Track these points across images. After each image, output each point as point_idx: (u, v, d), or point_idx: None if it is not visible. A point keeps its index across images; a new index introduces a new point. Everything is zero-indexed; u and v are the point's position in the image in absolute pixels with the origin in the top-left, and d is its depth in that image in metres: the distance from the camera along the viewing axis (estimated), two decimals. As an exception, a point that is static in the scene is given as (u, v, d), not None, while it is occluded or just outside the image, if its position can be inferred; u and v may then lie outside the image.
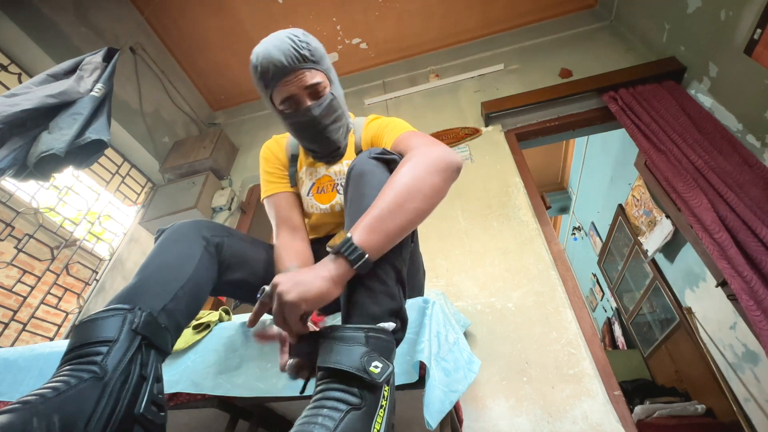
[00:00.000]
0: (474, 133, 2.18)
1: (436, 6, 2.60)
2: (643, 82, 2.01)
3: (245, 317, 1.09)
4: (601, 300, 4.15)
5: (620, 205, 3.14)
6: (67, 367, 0.47)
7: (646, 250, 2.80)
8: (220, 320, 1.01)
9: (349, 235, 0.56)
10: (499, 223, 1.71)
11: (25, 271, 1.90)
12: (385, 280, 0.58)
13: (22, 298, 1.84)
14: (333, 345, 0.50)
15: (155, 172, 2.63)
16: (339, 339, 0.50)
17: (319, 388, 0.48)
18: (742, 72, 1.63)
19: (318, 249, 0.91)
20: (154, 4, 2.55)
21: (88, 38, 2.26)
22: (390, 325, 0.55)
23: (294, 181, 0.95)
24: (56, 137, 1.23)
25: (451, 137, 2.20)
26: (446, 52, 2.79)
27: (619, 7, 2.38)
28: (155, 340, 0.54)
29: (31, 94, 1.27)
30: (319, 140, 0.85)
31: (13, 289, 1.81)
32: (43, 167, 1.26)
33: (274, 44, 0.75)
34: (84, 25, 2.27)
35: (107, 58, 1.47)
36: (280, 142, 1.00)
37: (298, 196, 0.96)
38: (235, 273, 0.79)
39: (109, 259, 2.29)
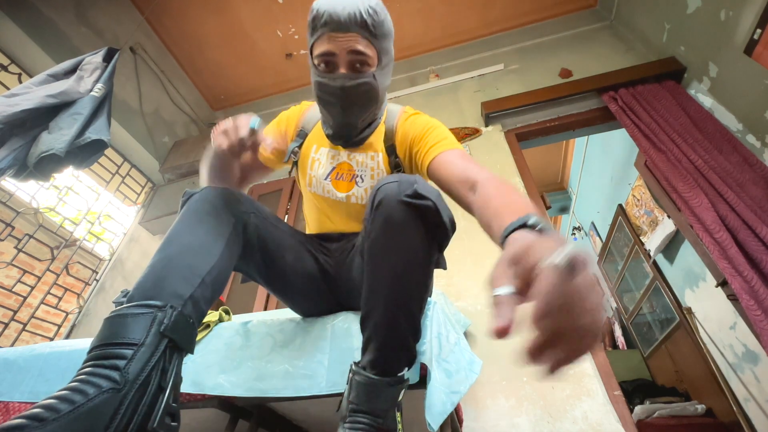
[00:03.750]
0: (474, 133, 2.18)
1: (436, 6, 2.60)
2: (643, 82, 2.01)
3: (246, 317, 1.09)
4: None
5: (620, 205, 3.14)
6: (89, 368, 0.47)
7: (648, 250, 2.80)
8: (220, 320, 1.01)
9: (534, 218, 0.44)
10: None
11: (25, 271, 1.90)
12: (407, 336, 0.63)
13: (22, 298, 1.84)
14: (368, 390, 0.61)
15: (155, 172, 2.63)
16: (373, 388, 0.61)
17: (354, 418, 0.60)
18: (742, 72, 1.62)
19: (320, 246, 0.87)
20: (154, 4, 2.55)
21: (88, 38, 2.26)
22: (407, 376, 0.64)
23: (289, 155, 0.88)
24: (56, 137, 1.23)
25: (451, 137, 2.20)
26: (446, 51, 2.79)
27: (619, 7, 2.38)
28: (181, 342, 0.54)
29: (31, 94, 1.27)
30: (337, 116, 0.78)
31: (13, 289, 1.81)
32: (44, 167, 1.26)
33: (345, 3, 0.70)
34: (84, 25, 2.27)
35: (107, 58, 1.47)
36: (302, 110, 0.93)
37: (267, 168, 0.93)
38: (256, 255, 0.75)
39: (109, 259, 2.29)
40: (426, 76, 2.69)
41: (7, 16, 1.84)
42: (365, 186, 0.83)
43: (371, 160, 0.83)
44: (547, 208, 1.79)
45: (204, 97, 3.14)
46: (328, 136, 0.85)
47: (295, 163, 0.92)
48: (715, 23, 1.69)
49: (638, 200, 2.88)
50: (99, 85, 1.37)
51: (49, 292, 1.93)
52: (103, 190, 2.36)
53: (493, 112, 2.16)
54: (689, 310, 2.55)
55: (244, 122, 0.63)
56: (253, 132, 0.62)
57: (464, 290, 1.55)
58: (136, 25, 2.59)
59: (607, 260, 3.62)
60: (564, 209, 4.65)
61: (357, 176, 0.84)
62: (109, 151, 2.47)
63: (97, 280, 2.19)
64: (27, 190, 1.93)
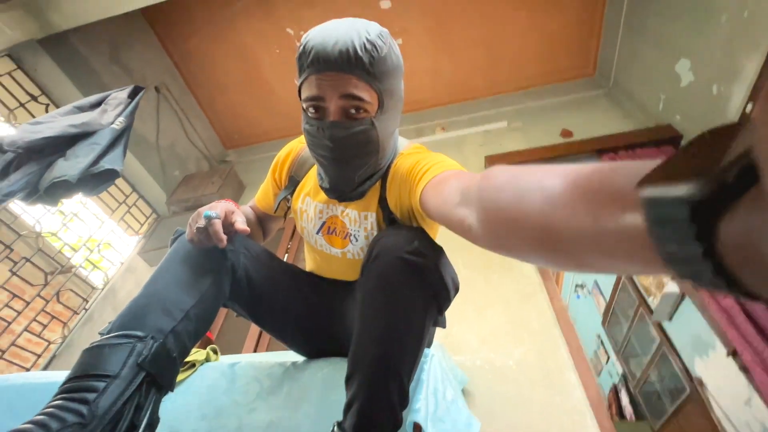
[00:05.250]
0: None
1: (444, 65, 2.78)
2: (642, 146, 2.09)
3: (234, 358, 1.04)
4: (607, 364, 3.96)
5: (623, 265, 3.10)
6: (58, 401, 0.45)
7: (654, 313, 2.72)
8: (207, 359, 0.96)
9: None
10: (501, 275, 1.69)
11: (14, 296, 1.86)
12: (394, 403, 0.57)
13: (6, 324, 1.78)
14: None
15: (162, 204, 2.66)
16: None
17: None
18: (738, 142, 1.68)
19: (316, 284, 0.85)
20: (183, 51, 2.75)
21: (118, 76, 2.41)
22: None
23: (278, 205, 0.84)
24: (71, 164, 1.27)
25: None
26: (453, 107, 2.94)
27: (617, 76, 2.54)
28: (160, 377, 0.51)
29: (54, 123, 1.33)
30: (330, 171, 0.68)
31: (-1, 314, 1.76)
32: (54, 192, 1.28)
33: (337, 29, 0.57)
34: (116, 64, 2.43)
35: (132, 95, 1.56)
36: (294, 153, 0.83)
37: (275, 219, 0.94)
38: (245, 292, 0.74)
39: (102, 288, 2.24)
40: (433, 128, 2.81)
41: (44, 50, 1.98)
42: (360, 245, 0.75)
43: (364, 220, 0.72)
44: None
45: (218, 135, 3.27)
46: (323, 189, 0.74)
47: (289, 209, 0.87)
48: (708, 96, 1.79)
49: (641, 261, 2.85)
50: (120, 119, 1.44)
51: (34, 319, 1.87)
52: (107, 218, 2.38)
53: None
54: (700, 381, 2.41)
55: (201, 214, 0.64)
56: (209, 220, 0.62)
57: (463, 343, 1.49)
58: (164, 68, 2.77)
59: (612, 321, 3.50)
60: (566, 265, 4.59)
61: (350, 234, 0.74)
62: (119, 181, 2.53)
63: (86, 309, 2.13)
64: (33, 214, 1.95)
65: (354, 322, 0.62)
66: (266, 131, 3.20)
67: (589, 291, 4.06)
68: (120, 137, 1.43)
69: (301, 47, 0.59)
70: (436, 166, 0.59)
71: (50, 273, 1.99)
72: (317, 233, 0.78)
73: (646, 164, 0.21)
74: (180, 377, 0.86)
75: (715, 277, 0.16)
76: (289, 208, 0.86)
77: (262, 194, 0.89)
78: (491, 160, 2.25)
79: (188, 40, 2.73)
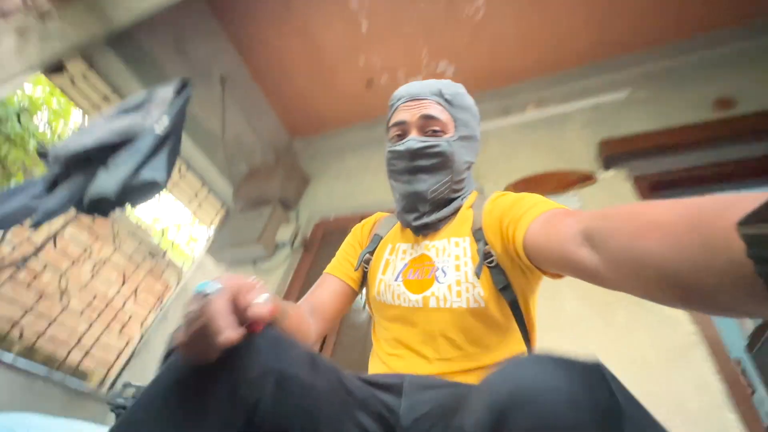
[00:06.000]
0: (586, 179, 1.72)
1: (536, 29, 2.21)
2: None
3: None
4: (752, 397, 3.13)
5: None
6: None
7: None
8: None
9: None
10: (630, 317, 1.22)
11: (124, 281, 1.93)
12: None
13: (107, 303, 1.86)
14: None
15: (230, 196, 2.63)
16: None
17: None
18: None
19: (381, 399, 0.52)
20: (247, 36, 2.61)
21: (183, 69, 2.35)
22: None
23: (360, 262, 0.74)
24: (111, 176, 1.15)
25: (555, 183, 1.76)
26: (548, 79, 2.36)
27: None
28: None
29: (96, 129, 1.21)
30: (405, 184, 0.68)
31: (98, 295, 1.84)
32: (97, 207, 1.17)
33: (422, 81, 0.71)
34: (180, 56, 2.37)
35: (179, 91, 1.40)
36: (377, 218, 0.84)
37: (349, 291, 0.74)
38: None
39: (175, 287, 2.28)
40: (522, 106, 2.29)
41: (112, 49, 1.95)
42: (448, 282, 0.60)
43: (455, 247, 0.63)
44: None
45: (283, 124, 3.14)
46: (398, 216, 0.73)
47: (365, 277, 0.75)
48: None
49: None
50: (164, 119, 1.28)
51: (135, 293, 1.93)
52: (185, 210, 2.42)
53: (616, 154, 1.68)
54: None
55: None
56: (204, 298, 0.36)
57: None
58: (229, 57, 2.67)
59: (762, 350, 2.70)
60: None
61: (437, 269, 0.63)
62: (190, 175, 2.53)
63: (161, 309, 2.19)
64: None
65: None
66: (332, 117, 2.98)
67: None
68: (163, 143, 1.28)
69: (393, 95, 0.73)
70: (542, 203, 0.55)
71: (150, 255, 2.04)
72: (396, 280, 0.66)
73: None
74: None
75: None
76: (365, 276, 0.75)
77: (337, 261, 0.78)
78: (609, 147, 1.71)
79: (251, 24, 2.57)
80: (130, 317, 2.15)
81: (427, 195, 0.66)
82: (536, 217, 0.51)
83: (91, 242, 2.12)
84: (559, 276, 0.53)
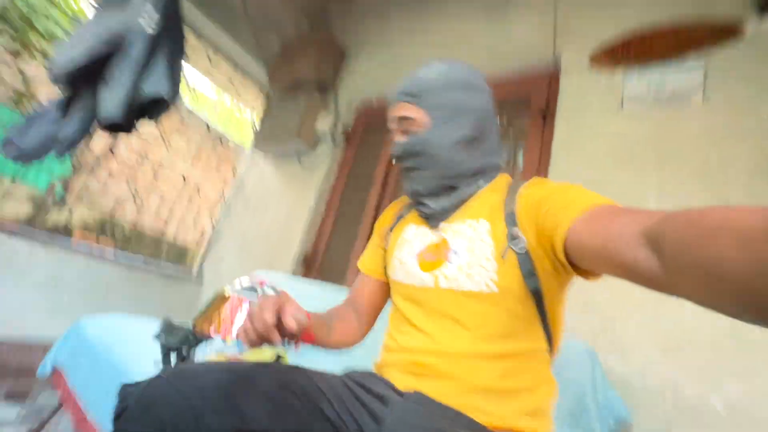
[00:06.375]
0: (726, 33, 1.18)
1: None
2: None
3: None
4: None
5: None
6: None
7: None
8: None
9: None
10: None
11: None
12: None
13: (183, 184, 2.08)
14: None
15: (267, 80, 2.43)
16: None
17: None
18: None
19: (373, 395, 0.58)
20: None
21: None
22: None
23: (386, 242, 0.77)
24: (113, 94, 1.04)
25: (671, 41, 1.25)
26: None
27: None
28: None
29: (83, 37, 1.05)
30: (405, 184, 0.71)
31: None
32: (113, 128, 1.12)
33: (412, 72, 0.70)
34: None
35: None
36: (399, 200, 0.85)
37: (384, 285, 0.77)
38: None
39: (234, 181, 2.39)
40: None
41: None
42: (459, 262, 0.60)
43: (470, 229, 0.62)
44: None
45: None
46: (417, 209, 0.72)
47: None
48: None
49: None
50: (150, 12, 1.05)
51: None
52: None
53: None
54: None
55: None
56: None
57: (630, 348, 1.00)
58: None
59: None
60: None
61: (451, 251, 0.62)
62: (219, 62, 2.33)
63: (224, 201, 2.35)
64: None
65: None
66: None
67: None
68: (159, 43, 1.08)
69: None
70: (587, 197, 0.50)
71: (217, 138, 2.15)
72: (412, 259, 0.67)
73: None
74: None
75: None
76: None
77: (367, 257, 0.80)
78: None
79: None
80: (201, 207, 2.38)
81: (423, 191, 0.68)
82: (582, 213, 0.47)
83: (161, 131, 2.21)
84: (595, 276, 0.49)
